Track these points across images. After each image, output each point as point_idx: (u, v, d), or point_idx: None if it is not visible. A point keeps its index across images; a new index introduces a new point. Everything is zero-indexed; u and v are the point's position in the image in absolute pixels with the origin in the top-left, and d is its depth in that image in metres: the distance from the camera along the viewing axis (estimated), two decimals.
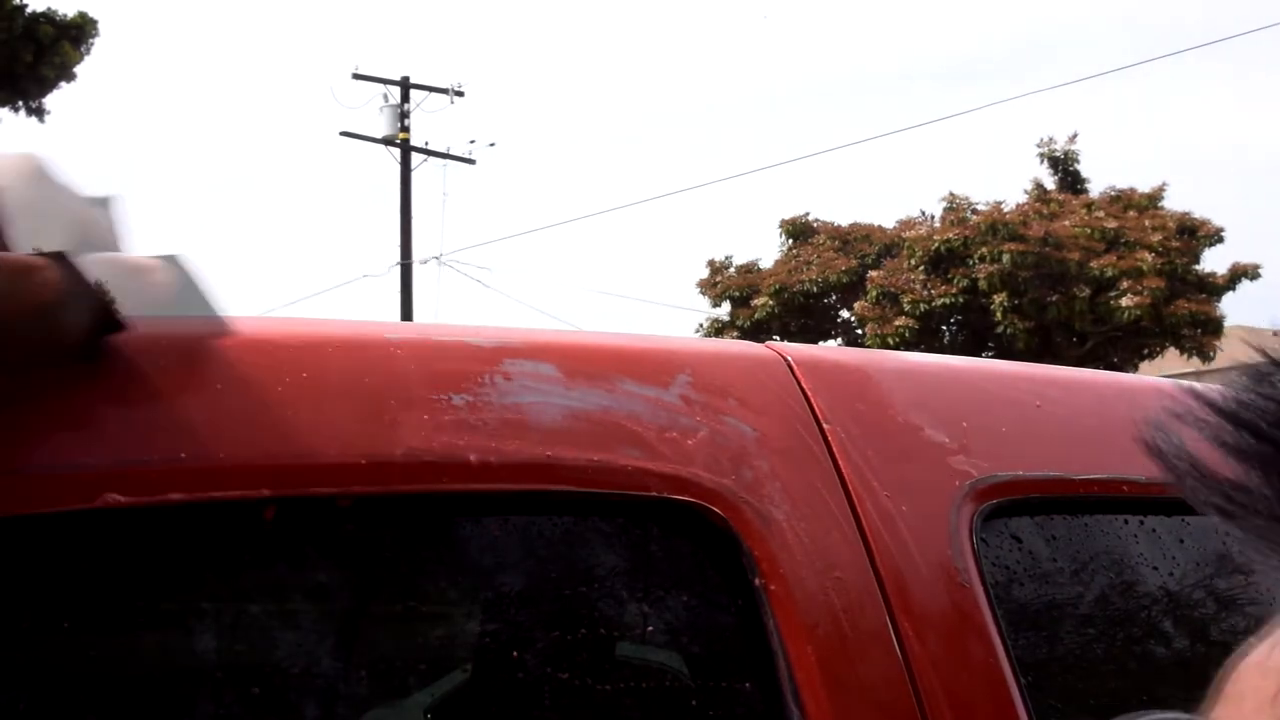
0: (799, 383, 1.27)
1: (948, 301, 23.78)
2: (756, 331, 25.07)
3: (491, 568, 1.11)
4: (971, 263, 23.59)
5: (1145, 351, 24.82)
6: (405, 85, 26.55)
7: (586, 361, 1.18)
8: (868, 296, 24.61)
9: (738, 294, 26.82)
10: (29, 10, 21.14)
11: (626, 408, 1.15)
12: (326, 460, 1.00)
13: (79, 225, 1.05)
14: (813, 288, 25.83)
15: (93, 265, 0.97)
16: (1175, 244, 23.65)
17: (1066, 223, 23.83)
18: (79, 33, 21.57)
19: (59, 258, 0.94)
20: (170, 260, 1.07)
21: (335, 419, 1.03)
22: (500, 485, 1.08)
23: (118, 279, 0.97)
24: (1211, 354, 24.43)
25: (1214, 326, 24.07)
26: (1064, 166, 26.20)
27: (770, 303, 25.80)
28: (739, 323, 26.26)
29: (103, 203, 1.11)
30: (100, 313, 0.95)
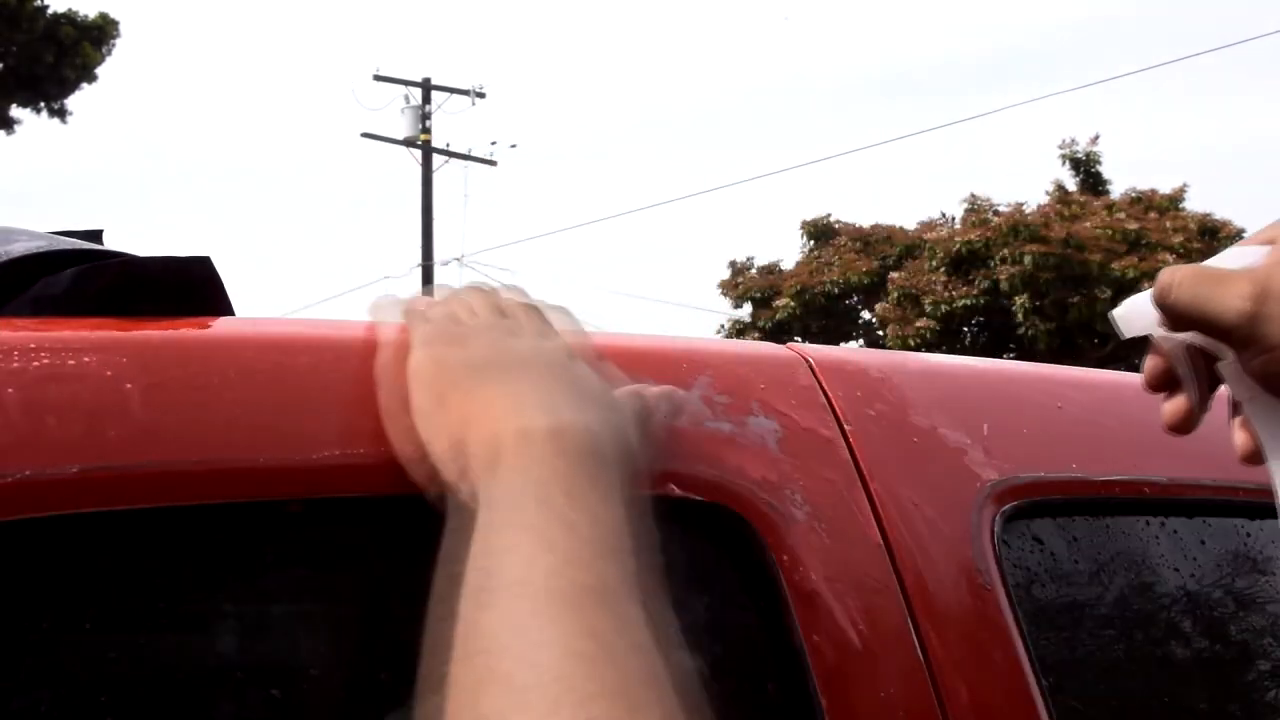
0: (820, 384, 1.26)
1: (969, 303, 23.72)
2: (778, 332, 25.05)
3: None
4: (993, 264, 23.52)
5: None
6: (426, 86, 26.62)
7: (608, 363, 1.18)
8: (889, 298, 24.57)
9: (759, 295, 26.81)
10: (50, 11, 21.27)
11: None
12: (334, 461, 0.99)
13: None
14: (834, 289, 25.81)
15: None
16: (1197, 245, 23.52)
17: (1088, 224, 23.74)
18: (100, 34, 21.70)
19: None
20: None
21: (345, 420, 1.02)
22: None
23: None
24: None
25: None
26: (1085, 168, 26.12)
27: (791, 304, 25.78)
28: (760, 324, 26.24)
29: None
30: None
